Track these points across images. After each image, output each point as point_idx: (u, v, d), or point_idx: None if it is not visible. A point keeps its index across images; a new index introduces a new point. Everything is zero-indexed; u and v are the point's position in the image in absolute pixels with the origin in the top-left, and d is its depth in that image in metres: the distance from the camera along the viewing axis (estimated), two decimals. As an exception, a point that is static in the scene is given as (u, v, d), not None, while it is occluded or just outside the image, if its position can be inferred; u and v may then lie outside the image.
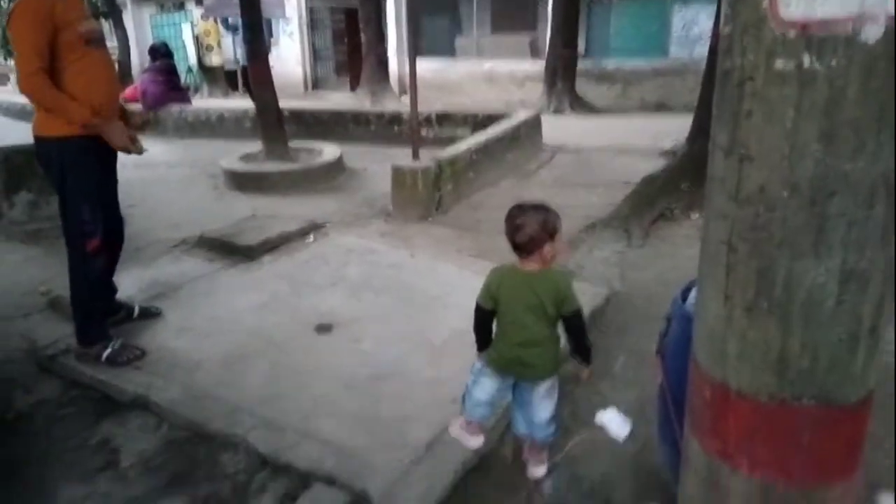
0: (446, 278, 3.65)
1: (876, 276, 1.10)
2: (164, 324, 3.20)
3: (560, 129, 7.66)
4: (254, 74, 6.29)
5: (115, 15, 16.16)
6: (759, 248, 1.15)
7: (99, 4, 15.93)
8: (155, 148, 7.13)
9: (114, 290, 3.20)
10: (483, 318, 2.14)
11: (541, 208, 2.02)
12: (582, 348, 2.09)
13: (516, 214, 2.01)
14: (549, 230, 1.98)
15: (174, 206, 4.87)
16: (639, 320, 3.13)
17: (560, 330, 2.08)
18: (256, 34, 6.14)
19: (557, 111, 9.96)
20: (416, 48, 13.34)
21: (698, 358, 1.39)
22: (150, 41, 13.72)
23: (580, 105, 10.26)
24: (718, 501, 1.34)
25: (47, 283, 3.73)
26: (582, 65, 10.85)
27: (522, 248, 1.99)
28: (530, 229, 1.96)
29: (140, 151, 2.92)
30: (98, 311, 2.91)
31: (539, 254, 1.99)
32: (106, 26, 14.85)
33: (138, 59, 15.22)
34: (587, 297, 3.23)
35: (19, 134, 4.56)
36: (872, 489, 1.99)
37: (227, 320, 3.21)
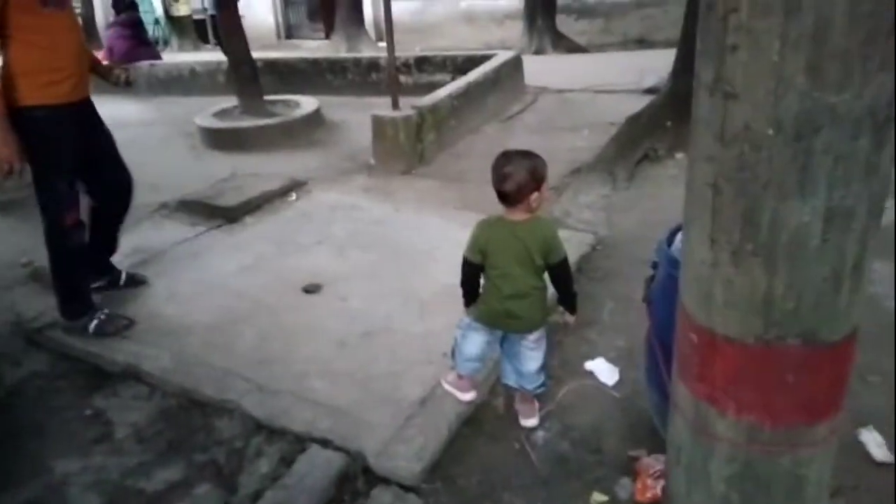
0: (432, 232, 3.62)
1: (860, 212, 1.08)
2: (150, 291, 3.16)
3: (542, 69, 7.48)
4: (224, 24, 6.04)
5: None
6: (744, 189, 1.12)
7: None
8: (127, 107, 6.95)
9: (112, 250, 3.14)
10: (471, 273, 2.12)
11: (528, 155, 1.98)
12: (568, 297, 2.09)
13: (503, 163, 1.97)
14: (537, 178, 1.95)
15: (151, 169, 4.73)
16: (625, 265, 3.13)
17: (546, 280, 2.07)
18: (223, -18, 5.88)
19: (538, 51, 9.72)
20: (391, -10, 12.96)
21: (685, 303, 1.39)
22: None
23: (561, 43, 10.01)
24: (706, 445, 1.36)
25: (27, 253, 3.66)
26: (562, 0, 10.55)
27: (509, 197, 1.96)
28: (518, 177, 1.92)
29: (14, 171, 2.54)
30: (80, 284, 2.83)
31: (526, 203, 1.96)
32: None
33: (103, 14, 14.61)
34: (573, 244, 3.23)
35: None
36: (855, 425, 2.03)
37: (214, 284, 3.18)
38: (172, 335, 2.76)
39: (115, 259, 3.40)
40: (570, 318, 2.15)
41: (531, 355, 2.11)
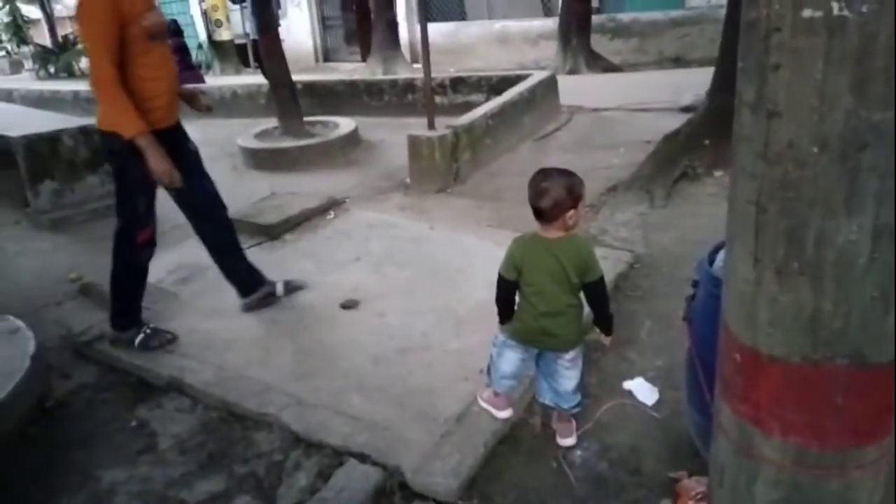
0: (468, 249, 3.64)
1: (908, 230, 1.07)
2: (194, 307, 3.25)
3: (577, 88, 7.50)
4: (265, 48, 6.23)
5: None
6: (788, 207, 1.12)
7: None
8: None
9: (244, 269, 3.21)
10: (506, 289, 2.13)
11: (565, 173, 1.99)
12: (603, 318, 2.07)
13: (540, 179, 1.98)
14: (574, 196, 1.96)
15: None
16: (664, 284, 3.10)
17: (583, 298, 2.06)
18: (265, 6, 6.07)
19: (573, 70, 9.74)
20: (426, 13, 13.16)
21: (728, 322, 1.37)
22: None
23: (596, 62, 10.00)
24: (751, 467, 1.33)
25: (77, 269, 3.81)
26: (596, 20, 10.57)
27: (545, 214, 1.97)
28: (555, 194, 1.93)
29: (178, 184, 2.76)
30: (134, 299, 2.94)
31: (562, 220, 1.97)
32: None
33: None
34: (610, 262, 3.21)
35: (41, 121, 4.62)
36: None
37: (254, 300, 3.25)
38: (214, 349, 2.83)
39: (161, 274, 3.52)
40: (605, 340, 2.13)
41: (567, 374, 2.10)
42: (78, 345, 2.94)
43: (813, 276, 1.12)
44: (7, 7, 16.03)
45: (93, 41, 2.50)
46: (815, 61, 0.99)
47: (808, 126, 1.04)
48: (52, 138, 4.60)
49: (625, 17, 11.27)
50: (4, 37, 18.32)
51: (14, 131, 4.61)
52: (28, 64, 16.56)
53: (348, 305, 3.13)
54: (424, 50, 4.77)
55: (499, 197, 4.55)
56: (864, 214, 1.05)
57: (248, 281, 3.18)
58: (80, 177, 4.77)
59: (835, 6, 0.95)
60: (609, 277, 3.01)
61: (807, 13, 0.97)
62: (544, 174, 2.00)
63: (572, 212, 1.97)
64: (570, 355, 2.08)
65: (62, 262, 4.00)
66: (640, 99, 6.82)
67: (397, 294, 3.21)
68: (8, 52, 18.80)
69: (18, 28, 16.20)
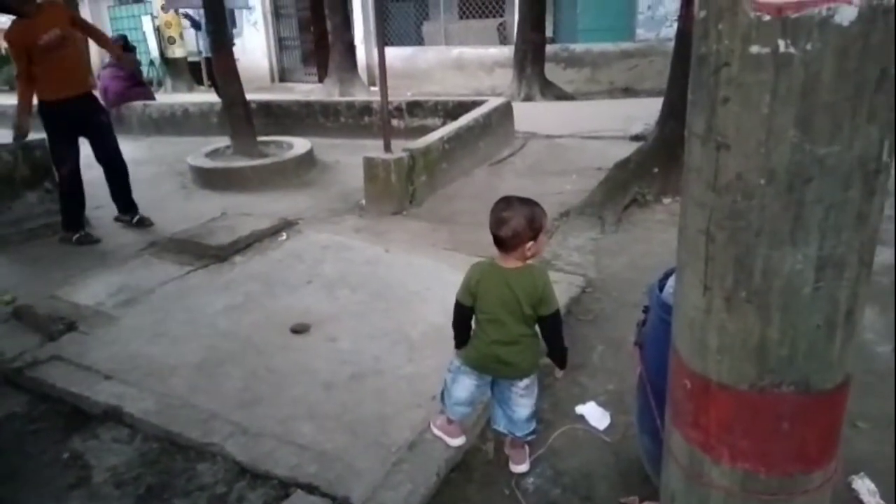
0: (423, 273, 3.62)
1: (851, 261, 1.10)
2: (137, 330, 3.11)
3: (531, 115, 7.64)
4: (218, 67, 6.13)
5: (70, 7, 15.60)
6: (737, 236, 1.14)
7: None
8: (122, 146, 6.96)
9: (128, 206, 4.78)
10: (462, 315, 2.11)
11: (528, 203, 1.98)
12: (558, 352, 2.07)
13: (502, 208, 1.97)
14: (535, 227, 1.95)
15: (142, 207, 4.75)
16: (615, 308, 3.14)
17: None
18: (219, 25, 5.98)
19: (528, 97, 9.93)
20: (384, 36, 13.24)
21: (678, 349, 1.39)
22: (108, 34, 13.32)
23: (550, 90, 10.23)
24: (701, 493, 1.34)
25: (11, 291, 3.61)
26: (550, 49, 10.83)
27: (504, 242, 1.95)
28: (515, 224, 1.92)
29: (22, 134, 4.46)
30: (72, 210, 4.42)
31: (521, 250, 1.96)
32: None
33: (98, 55, 14.80)
34: (563, 286, 3.24)
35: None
36: (848, 473, 2.01)
37: (201, 324, 3.14)
38: (156, 376, 2.71)
39: (102, 297, 3.40)
40: (558, 373, 2.13)
41: (522, 402, 2.08)
42: (8, 371, 2.77)
43: (760, 305, 1.15)
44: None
45: (12, 58, 4.34)
46: (762, 96, 1.02)
47: (755, 158, 1.06)
48: (-11, 155, 4.40)
49: (577, 47, 11.59)
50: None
51: (-53, 145, 4.38)
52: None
53: (299, 330, 3.05)
54: (382, 73, 4.78)
55: (454, 220, 4.56)
56: (809, 245, 1.07)
57: (125, 211, 4.79)
58: (18, 194, 4.56)
59: (781, 43, 0.98)
60: (561, 301, 3.03)
61: (755, 49, 1.00)
62: (506, 203, 1.99)
63: (532, 243, 1.96)
64: (524, 383, 2.06)
65: (-4, 283, 3.79)
66: (591, 127, 6.99)
67: (350, 318, 3.16)
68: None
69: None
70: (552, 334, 2.05)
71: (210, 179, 5.70)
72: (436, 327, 2.95)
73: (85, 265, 3.99)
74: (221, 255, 3.88)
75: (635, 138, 6.04)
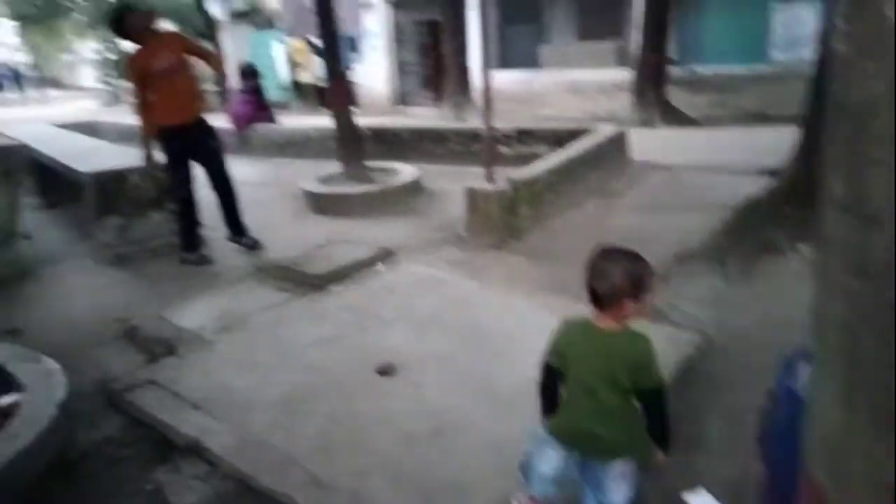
0: (519, 316, 3.41)
1: None
2: (229, 358, 3.15)
3: (650, 142, 7.21)
4: (331, 94, 6.30)
5: (214, 35, 17.07)
6: (889, 336, 0.86)
7: (200, 26, 16.91)
8: (244, 167, 7.33)
9: (239, 229, 4.92)
10: (549, 378, 1.90)
11: (632, 256, 1.74)
12: (660, 433, 1.79)
13: (601, 258, 1.75)
14: (638, 285, 1.71)
15: (255, 229, 4.92)
16: (738, 374, 2.75)
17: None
18: (333, 53, 6.15)
19: (647, 123, 9.45)
20: (499, 60, 13.21)
21: (809, 467, 1.10)
22: (246, 59, 14.33)
23: (671, 116, 9.68)
24: None
25: (127, 309, 3.81)
26: (673, 72, 10.27)
27: (601, 299, 1.73)
28: (615, 279, 1.69)
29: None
30: (187, 231, 4.64)
31: (619, 309, 1.72)
32: (210, 46, 15.70)
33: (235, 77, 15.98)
34: (675, 343, 2.91)
35: (117, 158, 4.77)
36: None
37: (290, 356, 3.13)
38: (240, 409, 2.70)
39: (203, 320, 3.50)
40: (660, 458, 1.84)
41: (616, 487, 1.81)
42: (110, 393, 2.87)
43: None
44: (107, 44, 17.28)
45: (129, 81, 4.66)
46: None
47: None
48: (120, 175, 4.72)
49: (703, 69, 10.91)
50: (105, 71, 19.74)
51: (86, 166, 4.76)
52: (123, 96, 17.68)
53: (384, 371, 2.94)
54: (487, 103, 4.66)
55: (557, 257, 4.30)
56: None
57: (236, 233, 4.92)
58: (144, 214, 4.86)
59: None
60: (674, 361, 2.72)
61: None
62: (607, 253, 1.76)
63: (633, 303, 1.72)
64: (619, 465, 1.80)
65: (116, 300, 4.02)
66: (717, 157, 6.47)
67: (438, 362, 3.01)
68: (108, 85, 20.24)
69: (117, 62, 17.40)
70: (654, 412, 1.78)
71: (319, 204, 5.84)
72: (529, 381, 2.69)
73: (195, 286, 4.16)
74: (319, 283, 3.89)
75: (767, 173, 5.47)
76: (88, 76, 38.75)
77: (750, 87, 10.38)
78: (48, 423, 2.38)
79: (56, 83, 43.31)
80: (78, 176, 4.76)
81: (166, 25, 18.58)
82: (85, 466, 2.49)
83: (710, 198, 5.19)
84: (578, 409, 1.80)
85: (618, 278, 1.70)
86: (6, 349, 2.88)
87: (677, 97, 10.19)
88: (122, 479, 2.41)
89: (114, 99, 18.81)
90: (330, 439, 2.48)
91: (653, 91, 9.65)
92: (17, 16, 24.47)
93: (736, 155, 6.41)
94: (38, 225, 5.80)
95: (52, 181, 6.05)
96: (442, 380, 2.85)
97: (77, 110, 18.64)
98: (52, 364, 2.77)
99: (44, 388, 2.59)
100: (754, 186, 5.02)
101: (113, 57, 17.92)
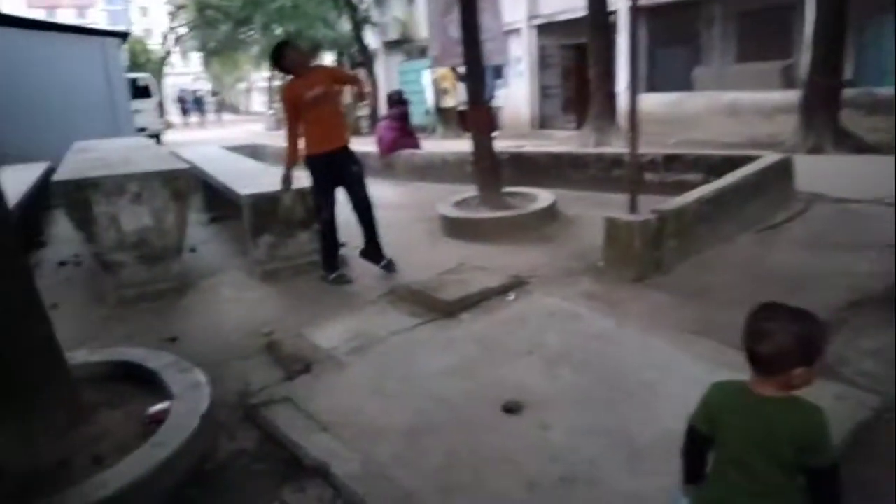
0: (660, 359, 3.14)
1: None
2: (360, 381, 3.19)
3: (818, 171, 6.49)
4: (472, 120, 6.35)
5: (369, 64, 18.13)
6: None
7: (356, 56, 18.03)
8: (386, 190, 7.61)
9: (376, 250, 5.00)
10: (694, 443, 1.68)
11: (802, 316, 1.51)
12: None
13: (764, 315, 1.53)
14: (810, 350, 1.48)
15: (391, 251, 5.04)
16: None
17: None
18: (476, 81, 6.20)
19: (816, 148, 8.54)
20: (649, 83, 12.70)
21: None
22: (397, 86, 15.03)
23: (845, 141, 8.67)
24: None
25: (272, 323, 4.03)
26: (848, 93, 9.23)
27: (762, 362, 1.51)
28: (781, 341, 1.47)
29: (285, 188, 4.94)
30: (328, 252, 4.88)
31: (785, 377, 1.49)
32: (363, 74, 16.71)
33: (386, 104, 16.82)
34: (848, 405, 2.52)
35: (273, 180, 5.12)
36: None
37: (417, 384, 3.10)
38: (367, 436, 2.70)
39: (336, 341, 3.59)
40: None
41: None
42: (248, 407, 3.02)
43: None
44: (274, 73, 18.94)
45: (284, 110, 4.96)
46: None
47: None
48: (274, 197, 5.05)
49: (885, 91, 9.71)
50: (271, 97, 21.65)
51: (245, 188, 5.15)
52: (272, 118, 19.21)
53: (511, 409, 2.82)
54: (633, 129, 4.42)
55: (706, 295, 3.95)
56: None
57: (372, 256, 5.02)
58: (293, 233, 5.15)
59: None
60: (845, 428, 2.35)
61: None
62: (771, 310, 1.54)
63: (802, 370, 1.48)
64: (776, 553, 1.54)
65: (263, 315, 4.27)
66: (898, 189, 5.65)
67: (567, 403, 2.83)
68: (273, 110, 22.18)
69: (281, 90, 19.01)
70: (823, 495, 1.51)
71: (454, 228, 5.87)
72: (668, 434, 2.47)
73: (333, 304, 4.31)
74: (450, 310, 3.86)
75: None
76: (259, 102, 42.90)
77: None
78: (192, 434, 2.54)
79: (233, 108, 48.37)
80: (237, 196, 5.15)
81: (327, 55, 20.15)
82: (221, 477, 2.61)
83: (888, 236, 4.51)
84: (729, 484, 1.57)
85: (783, 340, 1.47)
86: (164, 357, 3.14)
87: (853, 121, 9.14)
88: (254, 493, 2.49)
89: (277, 124, 20.57)
90: (451, 478, 2.40)
91: (824, 114, 8.72)
92: (203, 48, 27.77)
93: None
94: (202, 239, 6.40)
95: (217, 198, 6.63)
96: (571, 424, 2.67)
97: (245, 133, 20.64)
98: (200, 375, 2.97)
99: (191, 398, 2.78)
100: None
101: (278, 84, 19.66)
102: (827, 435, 1.50)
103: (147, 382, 3.03)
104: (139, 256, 4.65)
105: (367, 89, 5.19)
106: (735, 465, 1.56)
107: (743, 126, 11.01)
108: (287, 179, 4.85)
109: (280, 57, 4.71)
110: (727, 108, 11.57)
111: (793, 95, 9.90)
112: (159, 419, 2.67)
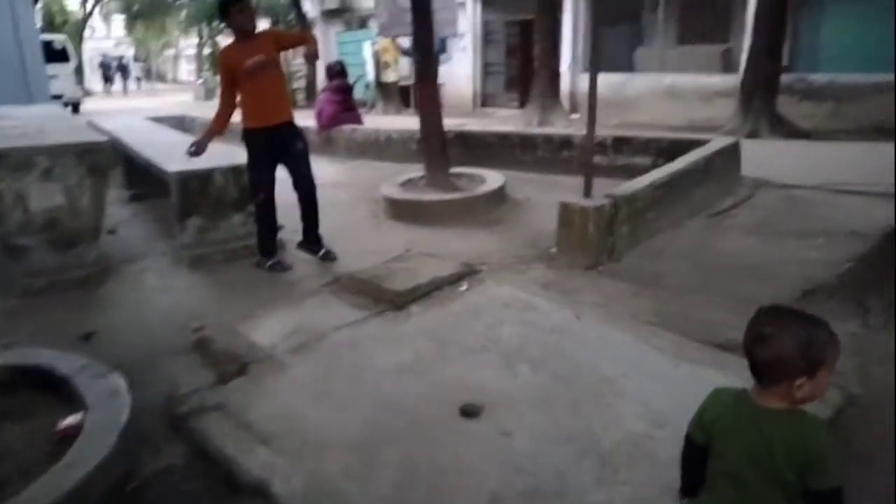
0: (620, 353, 3.02)
1: None
2: (303, 385, 2.92)
3: (759, 156, 6.56)
4: (421, 97, 6.07)
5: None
6: None
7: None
8: (326, 167, 7.24)
9: (314, 238, 4.66)
10: (690, 453, 1.55)
11: (809, 322, 1.39)
12: None
13: (766, 319, 1.40)
14: (813, 358, 1.35)
15: (331, 234, 4.73)
16: (892, 440, 2.27)
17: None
18: (425, 55, 5.90)
19: (753, 133, 8.69)
20: (590, 62, 12.65)
21: None
22: (335, 58, 14.43)
23: (781, 127, 8.88)
24: None
25: (202, 316, 3.67)
26: (784, 79, 9.43)
27: (763, 370, 1.39)
28: (781, 347, 1.35)
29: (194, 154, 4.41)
30: (264, 235, 4.52)
31: (786, 387, 1.36)
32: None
33: (324, 75, 16.15)
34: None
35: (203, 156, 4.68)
36: None
37: (367, 386, 2.86)
38: (312, 448, 2.45)
39: (275, 338, 3.29)
40: None
41: None
42: (175, 418, 2.69)
43: None
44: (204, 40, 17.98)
45: (219, 78, 4.56)
46: None
47: None
48: (205, 175, 4.64)
49: (819, 77, 10.00)
50: (200, 66, 20.58)
51: (172, 166, 4.70)
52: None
53: (469, 412, 2.62)
54: (591, 113, 4.27)
55: (660, 283, 3.87)
56: None
57: (310, 244, 4.68)
58: (225, 215, 4.76)
59: None
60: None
61: None
62: (774, 314, 1.42)
63: (804, 380, 1.35)
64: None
65: (192, 306, 3.90)
66: (836, 175, 5.77)
67: (528, 405, 2.66)
68: (203, 80, 21.08)
69: (212, 58, 18.06)
70: None
71: (399, 210, 5.61)
72: (634, 437, 2.35)
73: (270, 295, 3.99)
74: (398, 301, 3.62)
75: (903, 196, 4.79)
76: (188, 71, 40.88)
77: (871, 97, 9.42)
78: (109, 451, 2.23)
79: (161, 77, 45.93)
80: (164, 174, 4.71)
81: (261, 21, 19.20)
82: (145, 499, 2.30)
83: (836, 223, 4.58)
84: (721, 498, 1.45)
85: (785, 347, 1.35)
86: (77, 360, 2.77)
87: (788, 107, 9.36)
88: (180, 518, 2.21)
89: (207, 94, 19.53)
90: (405, 495, 2.19)
91: (761, 99, 8.88)
92: (126, 10, 25.99)
93: (861, 174, 5.70)
94: (122, 218, 5.88)
95: (140, 173, 6.10)
96: (534, 429, 2.50)
97: (173, 103, 19.47)
98: (119, 381, 2.64)
99: (109, 408, 2.45)
100: (887, 211, 4.38)
101: (208, 52, 18.64)
102: (828, 454, 1.38)
103: (57, 389, 2.66)
104: (49, 240, 4.16)
105: (317, 45, 4.69)
106: (727, 477, 1.44)
107: (683, 109, 11.14)
108: (199, 145, 4.33)
109: (224, 14, 4.30)
110: (667, 91, 11.67)
111: (732, 80, 10.06)
112: (71, 434, 2.33)
